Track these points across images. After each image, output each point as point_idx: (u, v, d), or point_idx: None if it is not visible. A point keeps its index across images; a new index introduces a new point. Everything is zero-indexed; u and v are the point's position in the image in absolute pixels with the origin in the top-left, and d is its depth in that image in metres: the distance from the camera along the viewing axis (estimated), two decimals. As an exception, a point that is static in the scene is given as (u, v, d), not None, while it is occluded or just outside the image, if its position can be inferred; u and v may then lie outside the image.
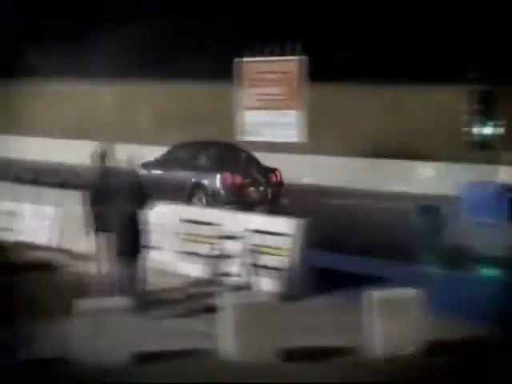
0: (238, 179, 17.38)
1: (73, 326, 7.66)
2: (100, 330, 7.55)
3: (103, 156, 11.04)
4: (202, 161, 17.98)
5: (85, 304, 7.83)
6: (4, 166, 24.03)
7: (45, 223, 14.74)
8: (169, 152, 18.81)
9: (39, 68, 29.10)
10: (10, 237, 14.31)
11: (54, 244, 14.39)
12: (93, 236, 10.99)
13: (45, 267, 12.79)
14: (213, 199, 17.10)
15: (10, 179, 19.54)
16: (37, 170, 22.79)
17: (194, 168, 17.67)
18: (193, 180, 17.42)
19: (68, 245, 13.87)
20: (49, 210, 14.71)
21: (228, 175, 17.33)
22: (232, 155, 18.43)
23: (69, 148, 28.66)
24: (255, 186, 17.61)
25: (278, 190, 17.84)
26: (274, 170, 18.22)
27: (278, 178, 18.05)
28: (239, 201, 16.90)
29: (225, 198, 17.09)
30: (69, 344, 7.71)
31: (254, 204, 16.96)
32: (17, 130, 31.25)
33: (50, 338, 8.54)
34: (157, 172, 17.97)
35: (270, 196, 17.66)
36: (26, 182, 18.57)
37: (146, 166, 17.63)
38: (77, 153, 23.77)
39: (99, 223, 10.71)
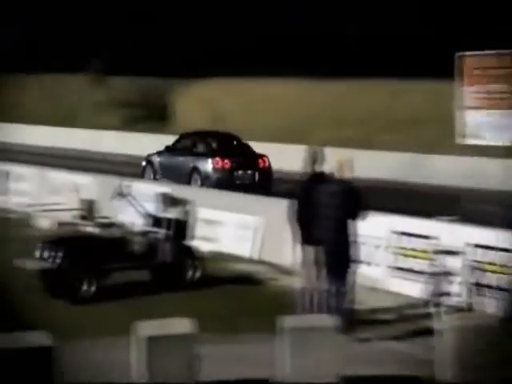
0: (227, 163, 21.16)
1: (276, 344, 7.72)
2: (305, 349, 7.56)
3: (313, 161, 10.72)
4: (200, 148, 22.15)
5: (289, 321, 7.85)
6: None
7: (246, 233, 14.96)
8: (176, 141, 23.04)
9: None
10: (209, 247, 14.53)
11: (255, 256, 14.56)
12: (299, 248, 10.74)
13: (246, 280, 12.98)
14: (205, 181, 21.00)
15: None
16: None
17: (193, 154, 21.80)
18: (190, 164, 21.46)
19: (271, 257, 13.97)
20: (251, 219, 14.92)
21: (218, 159, 21.20)
22: (226, 143, 22.41)
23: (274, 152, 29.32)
24: (243, 169, 21.39)
25: (267, 175, 21.43)
26: (262, 156, 21.85)
27: (266, 164, 21.68)
28: (228, 182, 20.29)
29: (215, 179, 20.91)
30: (271, 363, 7.80)
31: (243, 186, 20.13)
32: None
33: (252, 356, 8.64)
34: (166, 158, 22.31)
35: (257, 179, 21.33)
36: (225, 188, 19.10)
37: (159, 153, 22.68)
38: (281, 157, 24.33)
39: (306, 235, 10.45)
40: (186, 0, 42.72)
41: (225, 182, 20.32)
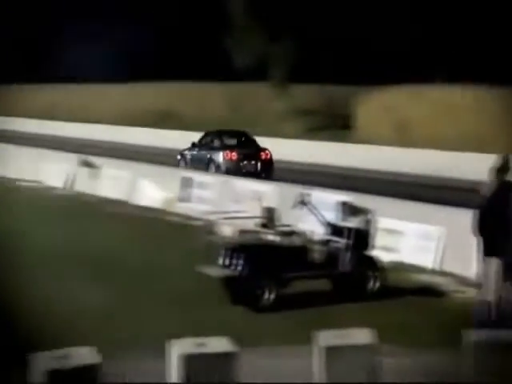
0: (235, 155, 26.19)
1: (461, 360, 7.49)
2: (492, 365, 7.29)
3: (502, 169, 10.32)
4: (216, 143, 27.28)
5: (475, 335, 7.60)
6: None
7: (428, 244, 14.64)
8: (201, 138, 28.27)
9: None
10: (390, 257, 14.41)
11: (437, 267, 14.27)
12: (482, 260, 10.39)
13: (427, 291, 12.80)
14: (218, 169, 25.90)
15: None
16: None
17: (211, 148, 27.03)
18: (208, 156, 26.74)
19: (453, 268, 13.66)
20: (433, 229, 14.64)
21: (228, 152, 26.25)
22: (236, 139, 27.58)
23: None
24: (248, 160, 26.18)
25: (268, 165, 26.27)
26: (264, 150, 26.83)
27: (268, 156, 26.62)
28: (235, 170, 25.15)
29: (225, 168, 25.86)
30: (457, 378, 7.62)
31: (247, 173, 24.66)
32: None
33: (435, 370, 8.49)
34: (193, 152, 27.74)
35: (259, 168, 26.13)
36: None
37: (189, 149, 28.07)
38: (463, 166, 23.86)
39: (489, 246, 10.19)
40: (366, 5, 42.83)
41: (232, 170, 25.28)
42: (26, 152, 30.01)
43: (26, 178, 27.07)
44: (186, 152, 28.32)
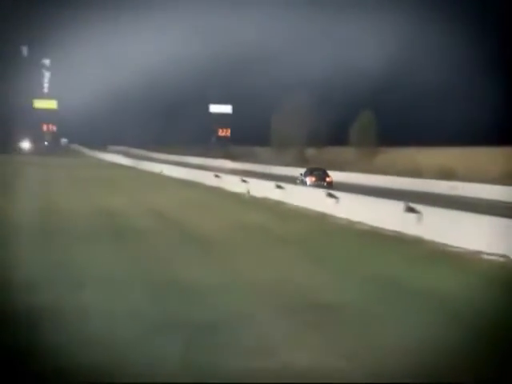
0: (313, 178, 54.32)
1: None
2: None
3: None
4: (308, 172, 55.96)
5: None
6: None
7: None
8: (307, 169, 57.67)
9: None
10: None
11: None
12: None
13: None
14: (304, 184, 52.13)
15: None
16: None
17: (302, 174, 56.00)
18: (300, 177, 55.55)
19: None
20: None
21: (310, 177, 54.72)
22: (315, 170, 57.62)
23: None
24: (319, 181, 53.39)
25: (329, 183, 52.60)
26: (328, 176, 55.09)
27: (330, 179, 54.23)
28: (313, 186, 49.32)
29: (308, 184, 52.55)
30: None
31: (317, 186, 47.57)
32: None
33: None
34: (301, 176, 56.06)
35: (325, 185, 50.90)
36: None
37: (301, 174, 56.71)
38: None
39: None
40: None
41: (311, 185, 50.58)
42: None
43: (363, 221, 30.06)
44: (299, 176, 56.31)
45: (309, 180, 53.91)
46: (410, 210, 27.19)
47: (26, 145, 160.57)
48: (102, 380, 10.74)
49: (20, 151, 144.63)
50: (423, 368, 11.52)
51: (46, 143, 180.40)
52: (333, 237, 26.78)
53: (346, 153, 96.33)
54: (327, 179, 53.69)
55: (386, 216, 28.76)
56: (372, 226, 28.81)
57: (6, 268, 18.33)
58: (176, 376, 11.01)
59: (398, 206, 28.01)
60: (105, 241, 23.42)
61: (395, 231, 27.28)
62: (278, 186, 41.96)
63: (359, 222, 29.94)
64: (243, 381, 10.94)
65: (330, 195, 34.24)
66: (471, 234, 23.60)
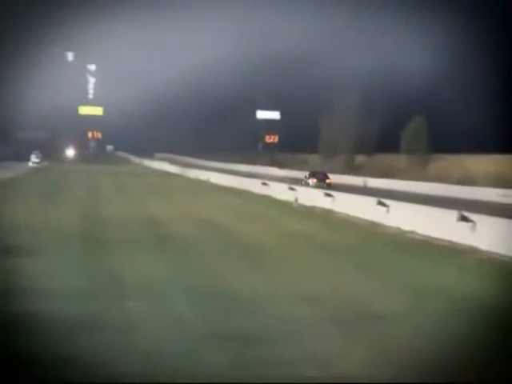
0: (315, 180, 65.71)
1: None
2: None
3: None
4: (310, 175, 67.95)
5: None
6: None
7: None
8: (309, 173, 69.98)
9: None
10: None
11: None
12: None
13: None
14: (307, 185, 61.93)
15: None
16: None
17: (306, 177, 68.25)
18: (304, 179, 67.76)
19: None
20: None
21: (312, 179, 66.40)
22: (317, 173, 68.92)
23: None
24: (320, 182, 64.46)
25: (329, 184, 63.13)
26: (328, 177, 67.06)
27: (329, 181, 65.66)
28: (314, 186, 58.96)
29: (310, 185, 62.60)
30: None
31: (318, 187, 56.31)
32: None
33: None
34: (305, 178, 68.42)
35: (325, 186, 60.14)
36: None
37: (305, 176, 69.32)
38: None
39: None
40: None
41: (313, 186, 59.10)
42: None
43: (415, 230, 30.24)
44: (304, 178, 67.68)
45: (311, 181, 65.64)
46: (464, 218, 27.09)
47: (70, 152, 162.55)
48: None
49: (65, 159, 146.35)
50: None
51: (90, 150, 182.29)
52: (384, 247, 26.80)
53: (397, 160, 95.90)
54: (327, 181, 65.76)
55: (439, 225, 28.69)
56: (424, 235, 28.75)
57: (53, 278, 18.66)
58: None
59: (450, 215, 27.93)
60: (154, 250, 23.70)
61: (448, 241, 27.20)
62: (327, 194, 42.06)
63: (411, 231, 29.90)
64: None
65: (381, 203, 34.23)
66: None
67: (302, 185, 58.01)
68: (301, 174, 79.80)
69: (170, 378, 11.21)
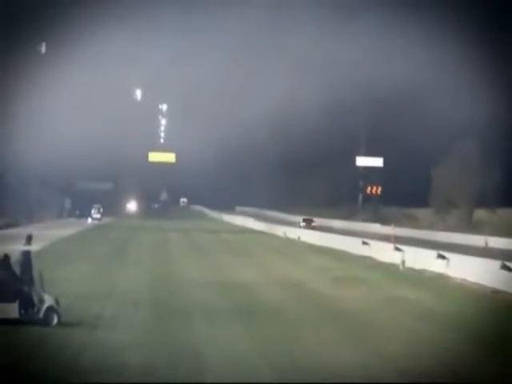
0: (303, 222, 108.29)
1: None
2: None
3: None
4: (302, 220, 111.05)
5: None
6: None
7: None
8: (302, 219, 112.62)
9: None
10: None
11: None
12: None
13: None
14: (300, 227, 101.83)
15: None
16: None
17: (301, 221, 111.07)
18: (299, 224, 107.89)
19: None
20: None
21: (303, 222, 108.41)
22: (307, 219, 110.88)
23: None
24: (307, 223, 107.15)
25: (314, 227, 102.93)
26: (313, 221, 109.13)
27: (315, 223, 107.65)
28: (304, 227, 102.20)
29: (302, 226, 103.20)
30: None
31: (307, 228, 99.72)
32: None
33: None
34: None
35: (312, 227, 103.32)
36: None
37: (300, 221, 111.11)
38: None
39: None
40: None
41: (303, 227, 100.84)
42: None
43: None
44: (298, 223, 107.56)
45: (302, 224, 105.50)
46: None
47: (132, 206, 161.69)
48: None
49: (128, 213, 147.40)
50: None
51: (160, 204, 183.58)
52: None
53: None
54: (313, 224, 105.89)
55: None
56: None
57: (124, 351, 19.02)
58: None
59: None
60: (236, 321, 23.84)
61: None
62: (440, 256, 41.60)
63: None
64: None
65: (505, 267, 33.73)
66: None
67: (300, 227, 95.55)
68: (410, 232, 79.24)
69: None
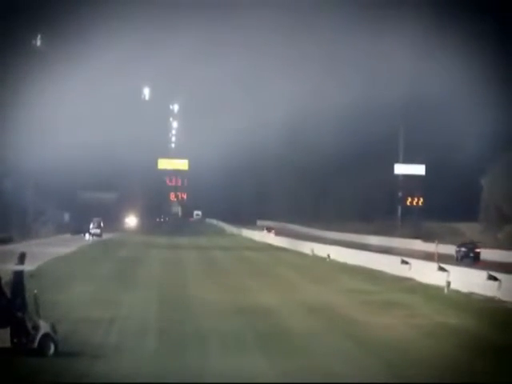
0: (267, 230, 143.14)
1: None
2: None
3: None
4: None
5: None
6: None
7: None
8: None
9: None
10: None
11: None
12: None
13: None
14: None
15: None
16: None
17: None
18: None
19: None
20: None
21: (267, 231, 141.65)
22: (270, 227, 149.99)
23: None
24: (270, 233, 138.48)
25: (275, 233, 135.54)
26: (272, 230, 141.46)
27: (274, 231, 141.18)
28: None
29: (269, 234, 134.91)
30: None
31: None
32: None
33: None
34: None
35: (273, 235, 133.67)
36: None
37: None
38: None
39: None
40: None
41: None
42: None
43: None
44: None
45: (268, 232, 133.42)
46: None
47: (131, 221, 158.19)
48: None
49: (130, 227, 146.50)
50: None
51: (167, 218, 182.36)
52: None
53: None
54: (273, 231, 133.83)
55: None
56: None
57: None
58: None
59: None
60: (256, 353, 23.70)
61: None
62: (491, 277, 41.20)
63: None
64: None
65: None
66: None
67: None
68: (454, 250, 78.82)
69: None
